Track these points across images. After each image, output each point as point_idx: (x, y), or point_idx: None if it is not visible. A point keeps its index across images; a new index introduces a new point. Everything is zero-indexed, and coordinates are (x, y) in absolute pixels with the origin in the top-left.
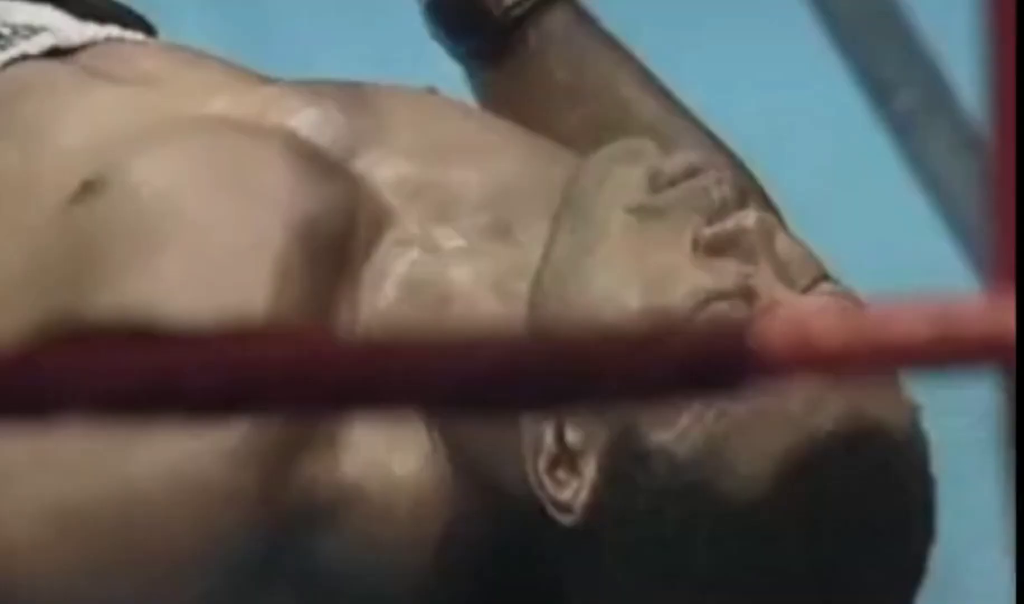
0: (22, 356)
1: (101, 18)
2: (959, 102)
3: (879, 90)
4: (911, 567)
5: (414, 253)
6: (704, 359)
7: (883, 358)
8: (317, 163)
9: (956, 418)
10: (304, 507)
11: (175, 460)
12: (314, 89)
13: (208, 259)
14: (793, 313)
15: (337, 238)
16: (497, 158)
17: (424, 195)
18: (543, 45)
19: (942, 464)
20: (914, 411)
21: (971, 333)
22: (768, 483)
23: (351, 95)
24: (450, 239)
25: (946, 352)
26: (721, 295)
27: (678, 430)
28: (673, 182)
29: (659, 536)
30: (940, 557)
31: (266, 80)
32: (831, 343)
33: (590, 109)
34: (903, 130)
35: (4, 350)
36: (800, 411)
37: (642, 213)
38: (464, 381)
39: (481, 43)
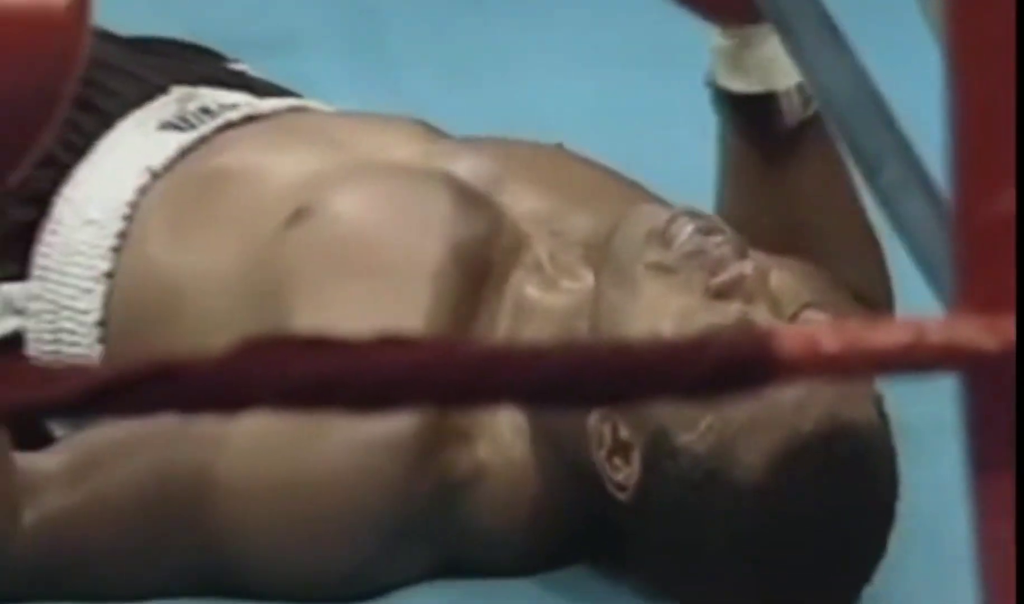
0: (230, 356)
1: (279, 95)
2: (931, 176)
3: (869, 166)
4: (877, 539)
5: (534, 281)
6: (734, 363)
7: (871, 361)
8: (468, 199)
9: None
10: (444, 482)
11: (353, 447)
12: (466, 142)
13: (383, 275)
14: (804, 327)
15: (482, 260)
16: (603, 207)
17: (547, 228)
18: (808, 148)
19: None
20: (881, 411)
21: (937, 343)
22: (764, 471)
23: (496, 146)
24: (559, 271)
25: (918, 356)
26: (726, 330)
27: (698, 432)
28: (681, 244)
29: (687, 512)
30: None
31: (430, 133)
32: (832, 349)
33: (788, 221)
34: (888, 198)
35: (217, 351)
36: (788, 414)
37: (659, 268)
38: (552, 382)
39: (763, 126)
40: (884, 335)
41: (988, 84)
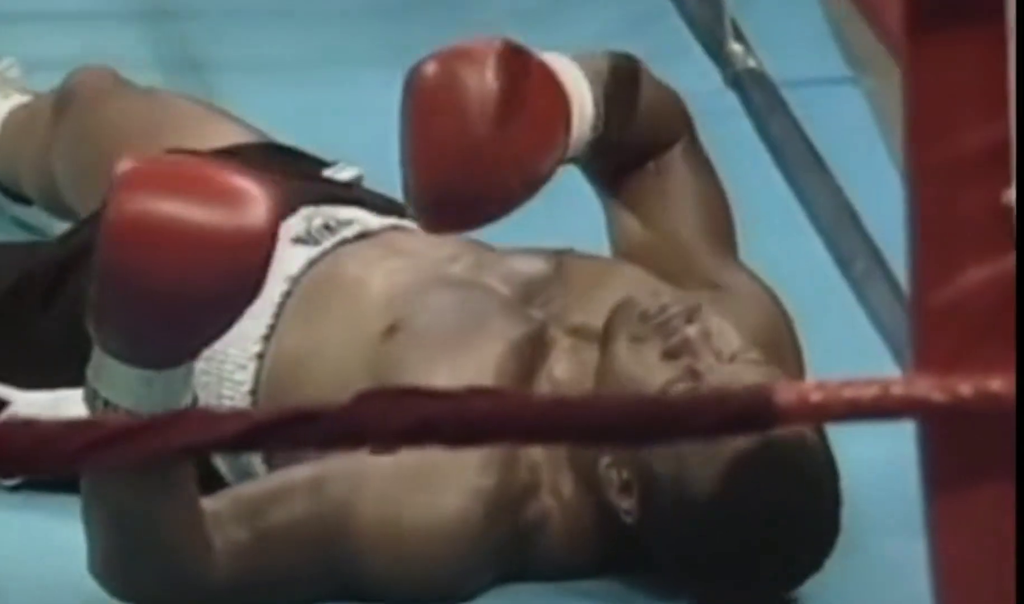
0: (353, 403)
1: (389, 212)
2: (891, 270)
3: (843, 260)
4: (821, 529)
5: (561, 364)
6: (745, 412)
7: (847, 409)
8: (511, 307)
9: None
10: (518, 523)
11: (454, 497)
12: (504, 254)
13: (454, 367)
14: (797, 385)
15: (526, 353)
16: (608, 296)
17: (566, 324)
18: (658, 178)
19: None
20: (820, 431)
21: (898, 396)
22: (722, 490)
23: (525, 257)
24: (577, 356)
25: (884, 406)
26: (678, 380)
27: (670, 467)
28: (653, 319)
29: (678, 528)
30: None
31: (480, 247)
32: (817, 400)
33: (659, 245)
34: (858, 286)
35: (342, 400)
36: (732, 444)
37: (635, 339)
38: (598, 424)
39: (607, 169)
40: (857, 389)
41: (937, 203)
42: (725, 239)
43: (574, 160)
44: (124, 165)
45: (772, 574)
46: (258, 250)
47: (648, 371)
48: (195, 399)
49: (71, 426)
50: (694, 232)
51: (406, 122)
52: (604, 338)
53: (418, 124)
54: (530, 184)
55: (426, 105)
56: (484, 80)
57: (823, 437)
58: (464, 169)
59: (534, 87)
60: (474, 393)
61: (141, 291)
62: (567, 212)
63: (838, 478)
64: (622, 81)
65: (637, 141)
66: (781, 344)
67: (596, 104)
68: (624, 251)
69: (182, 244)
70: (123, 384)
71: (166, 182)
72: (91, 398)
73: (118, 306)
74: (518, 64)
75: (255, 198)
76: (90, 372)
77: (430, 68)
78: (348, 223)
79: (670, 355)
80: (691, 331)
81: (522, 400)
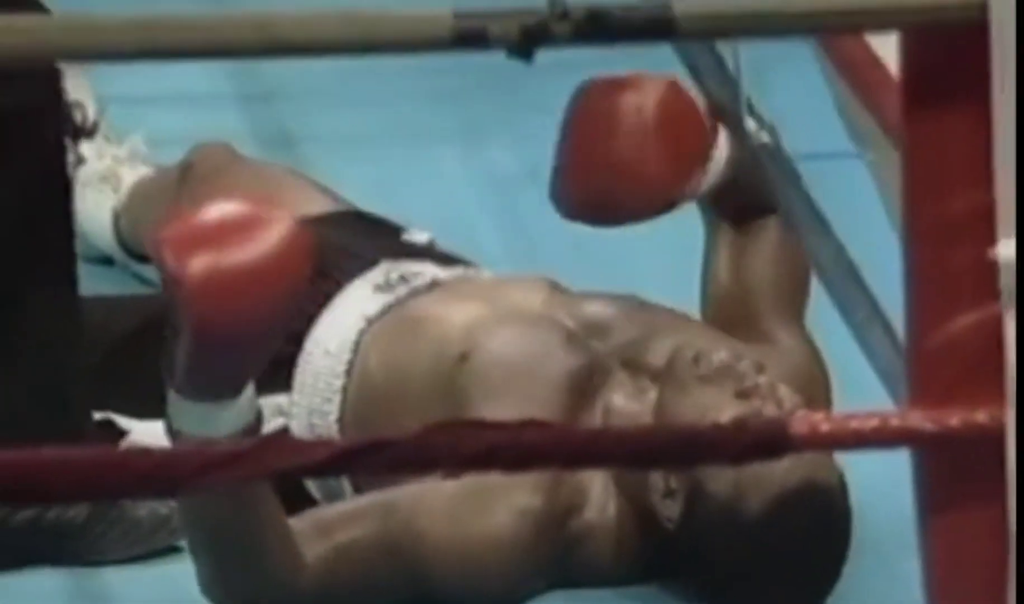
0: (424, 433)
1: (450, 262)
2: (887, 318)
3: (845, 309)
4: (836, 558)
5: (617, 395)
6: (764, 440)
7: (851, 439)
8: (574, 340)
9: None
10: (565, 540)
11: (508, 518)
12: (573, 296)
13: (520, 394)
14: (808, 416)
15: (582, 381)
16: (661, 338)
17: (622, 357)
18: (755, 236)
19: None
20: (841, 478)
21: (895, 427)
22: (764, 513)
23: (591, 300)
24: (632, 388)
25: (883, 436)
26: (747, 417)
27: (722, 485)
28: (714, 364)
29: (716, 538)
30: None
31: (552, 288)
32: (826, 430)
33: (735, 292)
34: (859, 332)
35: (415, 431)
36: (780, 474)
37: (704, 380)
38: (641, 451)
39: (721, 214)
40: (859, 421)
41: (931, 259)
42: (794, 302)
43: (700, 198)
44: (166, 230)
45: (794, 593)
46: (300, 270)
47: (719, 408)
48: (259, 415)
49: (183, 454)
50: (769, 289)
51: (565, 130)
52: (667, 375)
53: (575, 134)
54: (662, 203)
55: (585, 119)
56: (640, 107)
57: (843, 482)
58: (606, 180)
59: (684, 123)
60: (527, 425)
61: (219, 334)
62: (638, 257)
63: (851, 514)
64: (749, 148)
65: (750, 199)
66: (817, 401)
67: (730, 156)
68: (708, 287)
69: (242, 284)
70: (205, 419)
71: (207, 236)
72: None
73: (203, 351)
74: (675, 100)
75: (276, 221)
76: (174, 418)
77: (595, 89)
78: (421, 275)
79: (743, 395)
80: (762, 380)
81: (567, 431)
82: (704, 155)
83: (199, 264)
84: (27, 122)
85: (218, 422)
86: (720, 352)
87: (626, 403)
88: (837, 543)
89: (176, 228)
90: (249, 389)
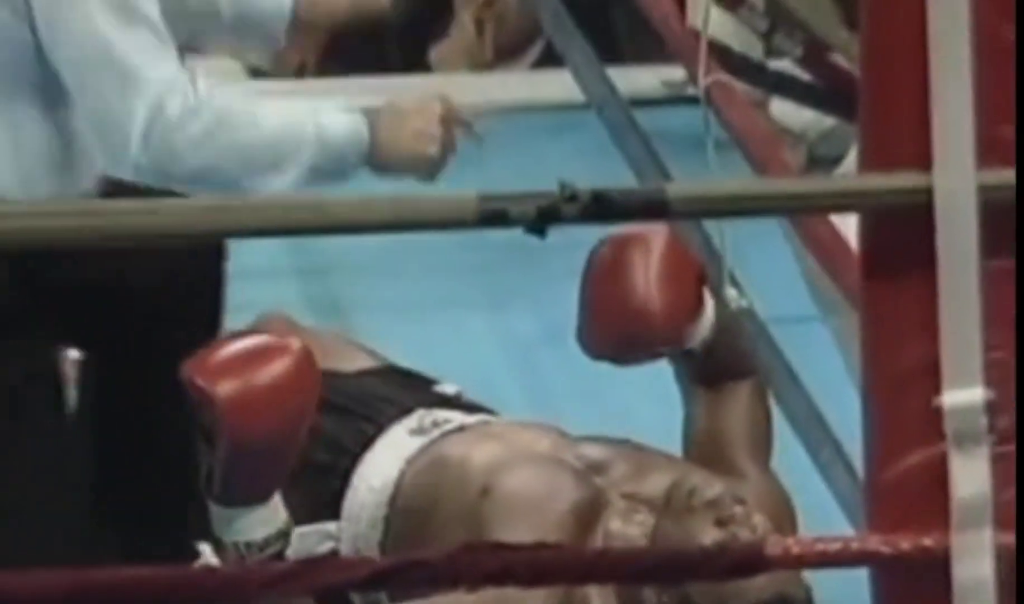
0: (454, 553)
1: (477, 411)
2: (849, 459)
3: (813, 451)
4: None
5: (616, 521)
6: (744, 559)
7: (818, 558)
8: (579, 477)
9: None
10: None
11: None
12: (576, 440)
13: (533, 523)
14: (782, 539)
15: (586, 511)
16: (659, 474)
17: (621, 491)
18: (730, 393)
19: None
20: (808, 593)
21: (856, 550)
22: None
23: (592, 444)
24: (630, 516)
25: (845, 557)
26: (724, 541)
27: (707, 599)
28: (704, 497)
29: None
30: None
31: (558, 434)
32: (796, 552)
33: (715, 437)
34: (825, 470)
35: (446, 550)
36: (756, 589)
37: (690, 510)
38: (641, 568)
39: (699, 370)
40: (825, 544)
41: (886, 407)
42: (762, 449)
43: (683, 353)
44: (195, 361)
45: None
46: (313, 387)
47: (703, 533)
48: (289, 523)
49: (247, 571)
50: (742, 437)
51: (586, 283)
52: (665, 504)
53: (595, 285)
54: (670, 340)
55: (603, 272)
56: (647, 260)
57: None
58: (623, 323)
59: (683, 273)
60: (539, 547)
61: (246, 443)
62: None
63: None
64: (732, 319)
65: (729, 361)
66: (784, 526)
67: (715, 318)
68: (688, 432)
69: (264, 400)
70: (242, 524)
71: (231, 363)
72: (221, 548)
73: (234, 459)
74: (674, 254)
75: (289, 347)
76: (216, 528)
77: (609, 245)
78: (450, 421)
79: (721, 523)
80: (738, 510)
81: (575, 552)
82: (700, 300)
83: (226, 387)
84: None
85: (253, 526)
86: (713, 486)
87: (624, 528)
88: None
89: (203, 358)
90: (276, 497)
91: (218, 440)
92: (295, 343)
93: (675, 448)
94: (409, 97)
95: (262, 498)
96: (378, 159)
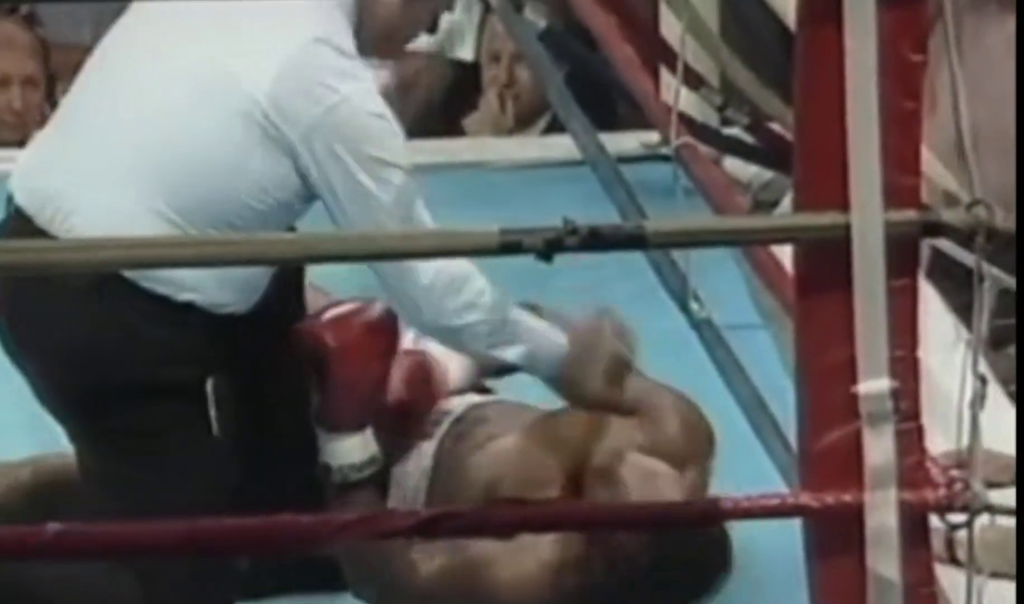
0: (477, 509)
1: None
2: (785, 434)
3: (756, 427)
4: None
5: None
6: (702, 510)
7: (762, 510)
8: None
9: None
10: (570, 575)
11: (530, 561)
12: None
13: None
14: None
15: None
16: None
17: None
18: None
19: None
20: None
21: (791, 504)
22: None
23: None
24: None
25: (784, 510)
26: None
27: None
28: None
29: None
30: None
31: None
32: (745, 505)
33: None
34: (767, 441)
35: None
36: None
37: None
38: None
39: None
40: (766, 500)
41: (815, 395)
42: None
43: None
44: (306, 325)
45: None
46: (393, 336)
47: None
48: (378, 453)
49: (323, 521)
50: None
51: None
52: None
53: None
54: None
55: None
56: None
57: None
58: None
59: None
60: (549, 502)
61: (346, 377)
62: None
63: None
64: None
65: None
66: (699, 440)
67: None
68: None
69: (364, 346)
70: (343, 449)
71: (336, 319)
72: (326, 474)
73: (337, 391)
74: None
75: (374, 307)
76: (322, 455)
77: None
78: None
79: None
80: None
81: (568, 505)
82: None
83: (333, 335)
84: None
85: (352, 450)
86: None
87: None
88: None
89: (312, 318)
90: (369, 431)
91: (326, 378)
92: (378, 305)
93: None
94: (589, 332)
95: (359, 426)
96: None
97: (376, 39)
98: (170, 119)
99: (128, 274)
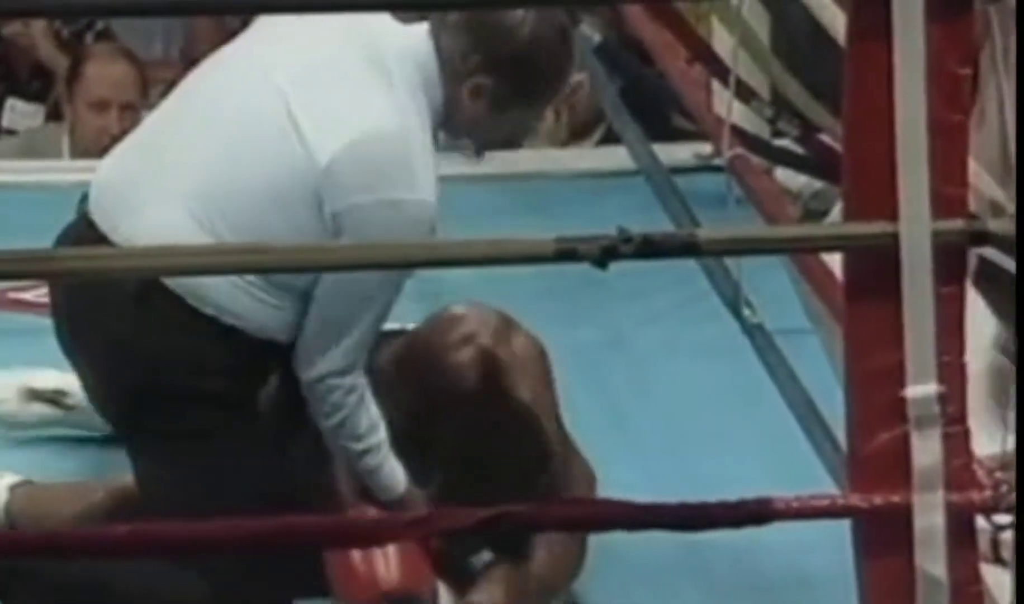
0: (529, 508)
1: None
2: (835, 435)
3: (807, 430)
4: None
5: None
6: (752, 511)
7: (813, 511)
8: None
9: None
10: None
11: None
12: None
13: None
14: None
15: None
16: None
17: None
18: None
19: None
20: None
21: (842, 504)
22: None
23: None
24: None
25: (835, 510)
26: None
27: None
28: None
29: None
30: None
31: None
32: (798, 506)
33: None
34: (818, 444)
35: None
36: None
37: None
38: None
39: None
40: (817, 501)
41: (863, 398)
42: None
43: None
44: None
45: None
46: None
47: None
48: None
49: (386, 519)
50: None
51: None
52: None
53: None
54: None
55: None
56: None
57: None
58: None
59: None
60: (597, 502)
61: None
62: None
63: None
64: None
65: None
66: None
67: None
68: None
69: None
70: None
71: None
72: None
73: None
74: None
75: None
76: None
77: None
78: None
79: None
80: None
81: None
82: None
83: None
84: None
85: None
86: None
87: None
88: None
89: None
90: None
91: None
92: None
93: (729, 446)
94: None
95: None
96: None
97: (466, 135)
98: (234, 157)
99: (175, 289)
